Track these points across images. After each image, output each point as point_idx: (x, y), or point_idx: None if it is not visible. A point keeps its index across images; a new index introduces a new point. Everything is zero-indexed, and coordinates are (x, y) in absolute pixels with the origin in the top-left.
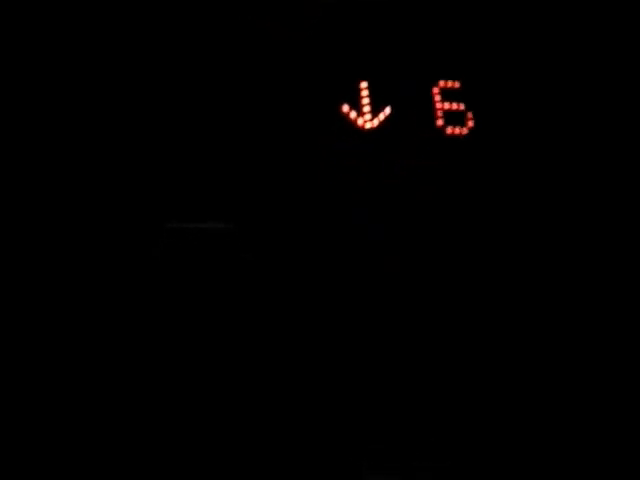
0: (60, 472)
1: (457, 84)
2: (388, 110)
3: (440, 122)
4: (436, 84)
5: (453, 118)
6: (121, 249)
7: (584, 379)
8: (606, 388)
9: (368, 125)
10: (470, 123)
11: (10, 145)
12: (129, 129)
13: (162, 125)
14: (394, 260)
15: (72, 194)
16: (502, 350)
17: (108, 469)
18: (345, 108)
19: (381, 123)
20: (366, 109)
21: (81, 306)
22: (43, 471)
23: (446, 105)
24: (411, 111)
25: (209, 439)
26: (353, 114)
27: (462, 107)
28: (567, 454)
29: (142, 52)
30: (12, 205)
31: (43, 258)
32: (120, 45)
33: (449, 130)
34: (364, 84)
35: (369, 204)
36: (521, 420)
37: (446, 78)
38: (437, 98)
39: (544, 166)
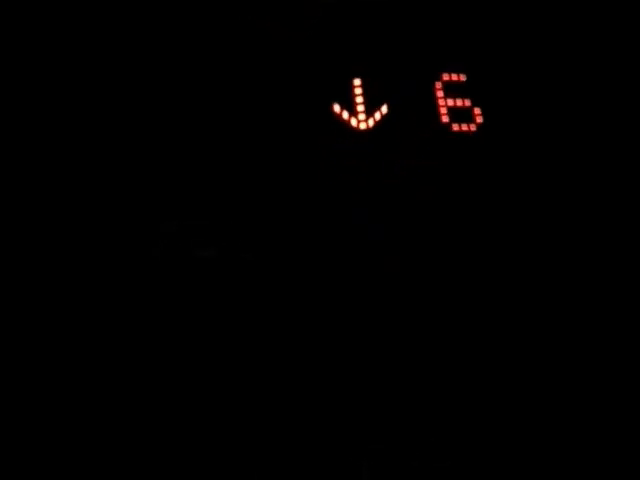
0: (60, 472)
1: (462, 77)
2: (385, 109)
3: (445, 119)
4: (438, 78)
5: (459, 115)
6: (120, 249)
7: (584, 379)
8: (606, 388)
9: (362, 125)
10: (479, 119)
11: (9, 147)
12: (121, 132)
13: (158, 124)
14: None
15: (73, 196)
16: (502, 350)
17: (108, 469)
18: (336, 108)
19: (377, 123)
20: (360, 108)
21: (81, 306)
22: (43, 471)
23: (450, 101)
24: (411, 109)
25: (209, 439)
26: (345, 114)
27: (468, 103)
28: (567, 454)
29: (137, 57)
30: (12, 207)
31: (43, 259)
32: (118, 45)
33: (455, 127)
34: (357, 81)
35: (365, 214)
36: (521, 420)
37: (450, 71)
38: (440, 94)
39: (560, 165)
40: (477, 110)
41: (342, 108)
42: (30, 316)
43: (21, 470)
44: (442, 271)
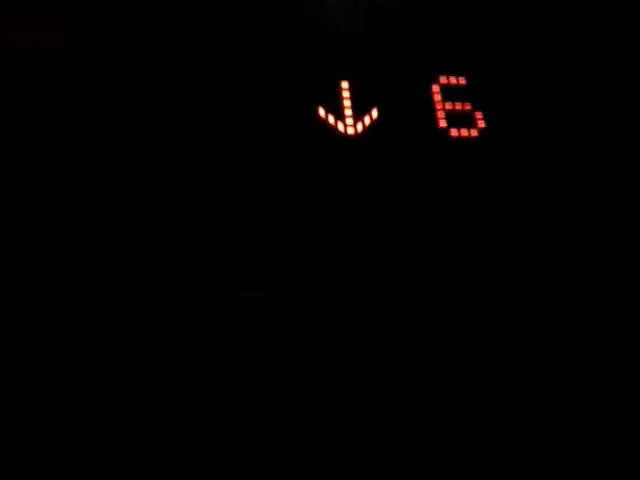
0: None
1: (462, 80)
2: (375, 113)
3: (443, 124)
4: (436, 81)
5: (458, 120)
6: (121, 249)
7: (584, 379)
8: (606, 388)
9: (350, 131)
10: (481, 124)
11: (11, 146)
12: (120, 133)
13: (156, 126)
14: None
15: (73, 196)
16: (502, 350)
17: (108, 469)
18: (321, 111)
19: (366, 128)
20: (348, 112)
21: (81, 305)
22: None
23: (448, 105)
24: (405, 113)
25: (209, 440)
26: (331, 118)
27: (468, 107)
28: (567, 454)
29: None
30: (13, 207)
31: (44, 259)
32: (116, 44)
33: (454, 132)
34: (345, 84)
35: (351, 223)
36: (521, 420)
37: (448, 73)
38: (437, 97)
39: (564, 169)
40: (479, 115)
41: (328, 112)
42: (30, 315)
43: (21, 470)
44: (442, 271)
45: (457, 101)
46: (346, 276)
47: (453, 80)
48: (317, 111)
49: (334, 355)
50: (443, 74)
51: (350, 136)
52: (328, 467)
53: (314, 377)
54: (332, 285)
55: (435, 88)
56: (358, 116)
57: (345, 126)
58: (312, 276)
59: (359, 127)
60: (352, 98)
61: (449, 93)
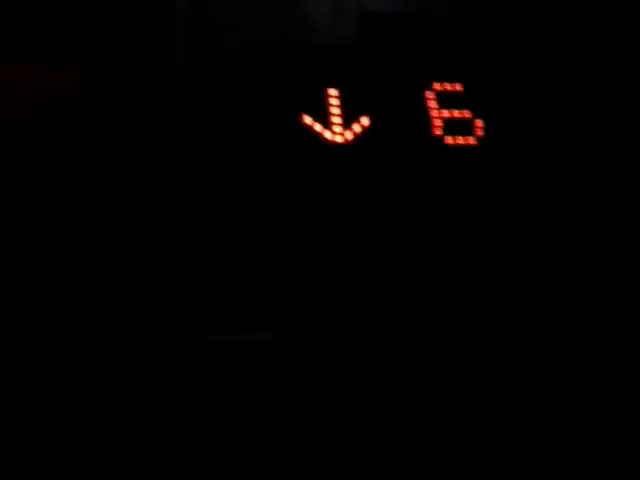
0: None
1: (458, 87)
2: (366, 121)
3: (438, 131)
4: (430, 88)
5: (454, 127)
6: (121, 249)
7: (584, 379)
8: (606, 388)
9: (339, 139)
10: (479, 132)
11: (14, 145)
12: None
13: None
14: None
15: (74, 196)
16: (502, 350)
17: (109, 469)
18: (307, 119)
19: (357, 136)
20: (336, 120)
21: (81, 304)
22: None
23: (445, 112)
24: (397, 120)
25: (210, 439)
26: (318, 127)
27: (468, 114)
28: (567, 454)
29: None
30: (15, 207)
31: (44, 258)
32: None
33: (449, 140)
34: (333, 91)
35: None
36: (521, 420)
37: (443, 80)
38: (432, 104)
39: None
40: (478, 122)
41: (314, 120)
42: (30, 314)
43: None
44: (442, 272)
45: (453, 108)
46: (336, 275)
47: (448, 87)
48: (302, 119)
49: (335, 355)
50: (438, 81)
51: (338, 144)
52: (328, 467)
53: (315, 374)
54: (330, 285)
55: (430, 95)
56: (347, 125)
57: (333, 134)
58: (310, 274)
59: (348, 135)
60: (341, 106)
61: (445, 100)
